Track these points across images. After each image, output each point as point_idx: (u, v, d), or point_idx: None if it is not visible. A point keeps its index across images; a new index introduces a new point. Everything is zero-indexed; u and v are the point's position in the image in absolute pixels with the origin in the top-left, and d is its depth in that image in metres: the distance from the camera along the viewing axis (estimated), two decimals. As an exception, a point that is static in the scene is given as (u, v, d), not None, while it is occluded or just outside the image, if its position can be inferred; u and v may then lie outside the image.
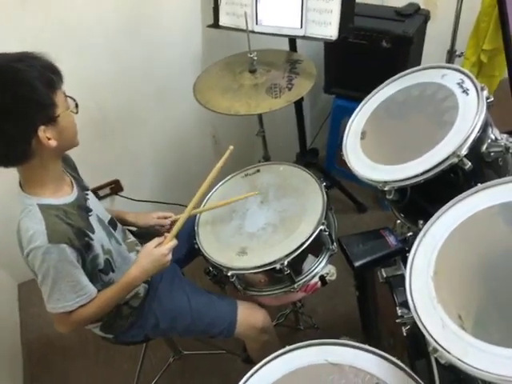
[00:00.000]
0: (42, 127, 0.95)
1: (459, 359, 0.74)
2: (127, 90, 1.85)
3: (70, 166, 1.22)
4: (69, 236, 1.01)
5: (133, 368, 1.78)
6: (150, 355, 1.81)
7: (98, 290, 1.11)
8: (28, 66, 0.91)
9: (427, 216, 1.02)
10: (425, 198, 1.17)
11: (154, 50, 1.81)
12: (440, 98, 1.13)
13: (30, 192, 1.03)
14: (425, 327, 0.81)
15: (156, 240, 1.16)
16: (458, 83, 1.11)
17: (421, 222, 1.11)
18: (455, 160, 1.01)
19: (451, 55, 1.49)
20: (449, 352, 0.76)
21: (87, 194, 1.18)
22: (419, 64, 1.82)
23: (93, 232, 1.10)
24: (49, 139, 0.96)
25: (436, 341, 0.78)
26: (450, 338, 0.77)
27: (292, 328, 1.80)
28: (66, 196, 1.09)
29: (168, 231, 1.24)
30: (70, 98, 1.04)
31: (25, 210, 1.00)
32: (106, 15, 1.65)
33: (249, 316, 1.31)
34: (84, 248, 1.06)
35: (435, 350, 0.78)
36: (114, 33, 1.70)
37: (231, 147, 1.25)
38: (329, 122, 2.22)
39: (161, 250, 1.14)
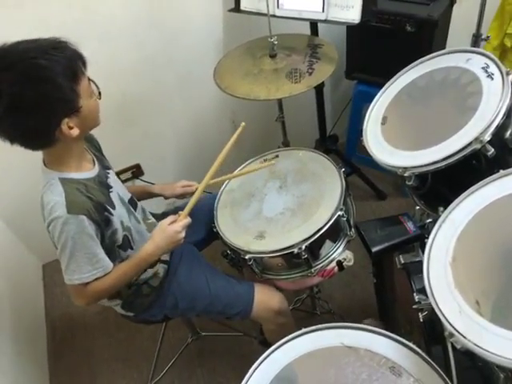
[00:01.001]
0: (65, 120, 0.97)
1: (475, 344, 0.74)
2: (149, 75, 1.87)
3: (95, 146, 1.25)
4: (87, 208, 1.04)
5: (152, 347, 1.83)
6: (169, 335, 1.85)
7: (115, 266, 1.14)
8: (52, 60, 0.92)
9: (448, 203, 1.01)
10: (446, 184, 1.16)
11: (175, 35, 1.81)
12: (464, 82, 1.11)
13: (52, 168, 1.06)
14: (441, 312, 0.81)
15: (170, 217, 1.19)
16: (483, 67, 1.08)
17: (441, 208, 1.10)
18: (478, 146, 0.99)
19: (477, 39, 1.45)
20: (465, 337, 0.76)
21: (108, 173, 1.21)
22: (444, 48, 1.77)
23: (113, 207, 1.13)
24: (71, 128, 0.99)
25: (452, 325, 0.78)
26: (467, 323, 0.77)
27: (308, 313, 1.82)
28: (87, 171, 1.12)
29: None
30: (93, 82, 1.06)
31: (47, 184, 1.04)
32: (129, 2, 1.66)
33: (266, 298, 1.33)
34: (103, 222, 1.09)
35: (451, 335, 0.78)
36: (135, 19, 1.70)
37: (243, 124, 1.26)
38: (350, 108, 2.20)
39: (174, 227, 1.16)
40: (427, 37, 1.70)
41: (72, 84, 0.96)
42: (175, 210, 1.52)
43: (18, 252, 2.11)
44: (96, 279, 1.08)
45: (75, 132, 1.00)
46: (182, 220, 1.18)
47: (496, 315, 0.78)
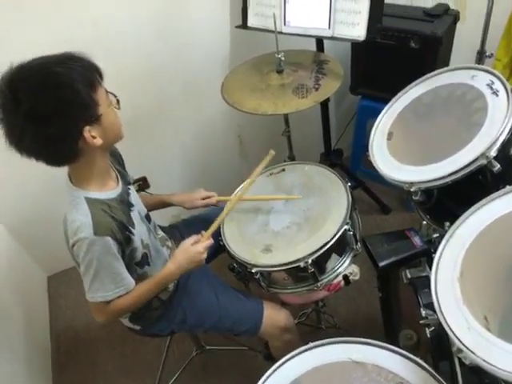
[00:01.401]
0: (86, 128, 0.98)
1: (484, 360, 0.74)
2: (156, 89, 1.90)
3: (117, 161, 1.26)
4: (112, 229, 1.05)
5: (157, 360, 1.82)
6: (173, 348, 1.85)
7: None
8: (68, 68, 0.94)
9: (454, 218, 1.02)
10: (452, 199, 1.17)
11: (182, 50, 1.85)
12: (469, 99, 1.13)
13: (77, 185, 1.07)
14: (450, 328, 0.81)
15: (193, 238, 1.20)
16: (488, 84, 1.10)
17: (447, 223, 1.11)
18: (484, 162, 1.01)
19: (481, 56, 1.47)
20: (474, 353, 0.76)
21: (129, 189, 1.22)
22: (448, 65, 1.80)
23: (133, 227, 1.14)
24: (94, 138, 0.99)
25: (461, 341, 0.78)
26: (475, 339, 0.78)
27: (313, 327, 1.81)
28: (111, 190, 1.13)
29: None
30: (111, 93, 1.06)
31: (72, 202, 1.05)
32: (137, 17, 1.69)
33: (273, 316, 1.33)
34: (125, 241, 1.10)
35: (460, 351, 0.78)
36: (144, 34, 1.74)
37: (272, 152, 1.28)
38: (354, 123, 2.22)
39: (197, 247, 1.17)
40: (431, 53, 1.73)
41: (89, 90, 0.97)
42: (182, 224, 1.54)
43: (23, 264, 2.13)
44: (118, 297, 1.10)
45: (98, 142, 1.00)
46: (205, 241, 1.20)
47: (504, 331, 0.78)
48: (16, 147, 0.96)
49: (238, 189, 1.43)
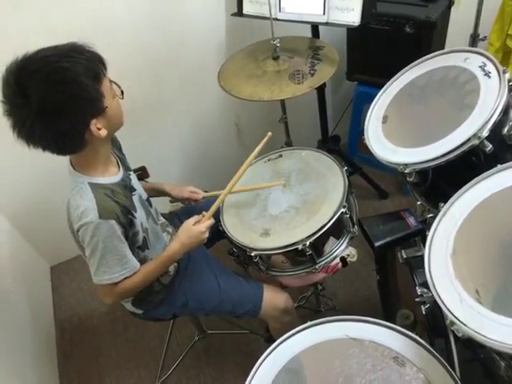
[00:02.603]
0: (93, 121, 1.00)
1: (476, 331, 0.77)
2: (153, 79, 1.91)
3: (117, 147, 1.29)
4: (116, 212, 1.08)
5: (160, 345, 1.86)
6: (176, 334, 1.88)
7: None
8: (74, 62, 0.95)
9: (448, 199, 1.04)
10: (446, 180, 1.19)
11: (179, 40, 1.85)
12: (462, 81, 1.15)
13: (80, 171, 1.09)
14: (443, 301, 0.84)
15: (195, 218, 1.24)
16: (480, 66, 1.12)
17: (441, 204, 1.12)
18: (476, 142, 1.03)
19: (474, 39, 1.48)
20: (465, 325, 0.79)
21: (130, 174, 1.24)
22: (443, 49, 1.81)
23: (135, 211, 1.17)
24: (100, 129, 1.02)
25: (453, 314, 0.81)
26: (467, 312, 0.80)
27: (313, 310, 1.84)
28: (113, 176, 1.15)
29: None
30: (115, 83, 1.08)
31: (76, 188, 1.07)
32: (133, 6, 1.70)
33: (272, 298, 1.36)
34: (128, 224, 1.13)
35: (452, 323, 0.81)
36: (140, 23, 1.75)
37: (269, 133, 1.29)
38: (351, 109, 2.23)
39: (199, 227, 1.21)
40: (426, 38, 1.74)
41: (95, 84, 0.99)
42: (181, 211, 1.57)
43: (26, 254, 2.15)
44: (124, 278, 1.12)
45: (103, 133, 1.03)
46: (206, 221, 1.23)
47: (496, 304, 0.81)
48: (25, 140, 0.98)
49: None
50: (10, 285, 1.86)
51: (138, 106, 1.93)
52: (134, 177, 1.26)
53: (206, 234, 1.22)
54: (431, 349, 0.93)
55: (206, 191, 1.49)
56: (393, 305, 1.57)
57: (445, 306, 0.83)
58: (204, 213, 1.25)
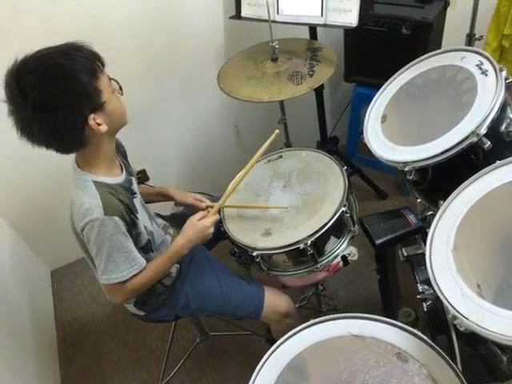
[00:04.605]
0: (91, 115, 1.01)
1: (477, 324, 0.78)
2: (152, 82, 1.92)
3: (121, 153, 1.30)
4: (120, 210, 1.09)
5: (161, 348, 1.86)
6: (177, 336, 1.88)
7: None
8: (71, 59, 0.97)
9: (448, 196, 1.05)
10: (445, 178, 1.20)
11: (177, 42, 1.87)
12: (459, 79, 1.16)
13: (85, 169, 1.10)
14: (444, 296, 0.85)
15: (200, 213, 1.26)
16: (477, 65, 1.13)
17: (441, 202, 1.13)
18: (474, 139, 1.04)
19: (470, 39, 1.50)
20: (467, 318, 0.80)
21: (132, 179, 1.25)
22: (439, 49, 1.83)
23: (137, 212, 1.18)
24: (99, 125, 1.03)
25: (455, 308, 0.82)
26: (469, 306, 0.81)
27: (314, 310, 1.85)
28: (117, 177, 1.17)
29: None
30: (114, 80, 1.10)
31: (80, 186, 1.08)
32: (132, 10, 1.71)
33: (274, 301, 1.37)
34: (131, 223, 1.14)
35: (454, 318, 0.82)
36: (139, 26, 1.76)
37: (277, 131, 1.30)
38: (349, 110, 2.25)
39: (204, 222, 1.23)
40: (422, 39, 1.76)
41: (92, 79, 1.00)
42: (183, 212, 1.57)
43: (26, 259, 2.15)
44: (132, 276, 1.13)
45: (104, 128, 1.03)
46: (212, 217, 1.25)
47: (498, 298, 0.82)
48: (27, 138, 1.00)
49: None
50: (11, 289, 1.86)
51: (137, 109, 1.93)
52: (135, 183, 1.27)
53: (212, 229, 1.24)
54: (433, 344, 0.94)
55: (211, 196, 1.49)
56: (394, 303, 1.58)
57: (447, 300, 0.84)
58: (209, 208, 1.26)
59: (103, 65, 1.05)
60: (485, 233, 0.92)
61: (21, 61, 0.96)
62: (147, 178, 2.20)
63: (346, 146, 2.38)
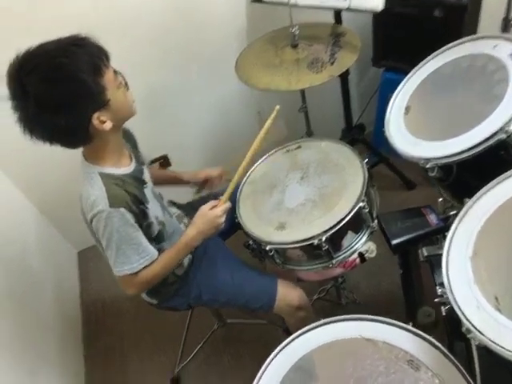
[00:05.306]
0: (95, 114, 0.99)
1: (492, 341, 0.73)
2: (174, 67, 1.89)
3: (131, 142, 1.28)
4: (126, 201, 1.08)
5: (181, 332, 1.87)
6: (196, 321, 1.89)
7: None
8: (74, 57, 0.94)
9: (474, 194, 0.98)
10: (472, 175, 1.13)
11: (199, 27, 1.82)
12: (490, 70, 1.08)
13: (91, 162, 1.10)
14: (459, 307, 0.80)
15: (211, 203, 1.22)
16: (510, 54, 1.04)
17: (467, 200, 1.07)
18: (503, 136, 0.96)
19: (506, 24, 1.38)
20: (482, 333, 0.75)
21: (143, 168, 1.24)
22: (475, 34, 1.71)
23: (147, 202, 1.17)
24: (104, 122, 1.01)
25: (470, 321, 0.77)
26: (485, 320, 0.76)
27: (333, 303, 1.82)
28: (125, 167, 1.15)
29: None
30: (120, 73, 1.06)
31: (87, 178, 1.08)
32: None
33: (287, 294, 1.34)
34: (140, 214, 1.13)
35: (469, 331, 0.77)
36: (159, 11, 1.73)
37: (277, 106, 1.25)
38: (377, 97, 2.15)
39: (215, 211, 1.19)
40: (456, 22, 1.64)
41: (95, 78, 0.97)
42: (198, 201, 1.56)
43: (53, 240, 2.22)
44: (144, 267, 1.13)
45: (108, 125, 1.02)
46: (222, 205, 1.20)
47: (515, 311, 0.76)
48: (30, 135, 0.99)
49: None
50: (38, 269, 1.92)
51: (158, 95, 1.93)
52: (146, 171, 1.26)
53: (223, 219, 1.20)
54: (448, 353, 0.90)
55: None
56: (416, 301, 1.53)
57: (461, 311, 0.79)
58: (220, 197, 1.23)
59: (108, 59, 1.01)
60: (507, 240, 0.86)
61: (22, 57, 0.94)
62: (169, 164, 2.20)
63: (372, 134, 2.29)
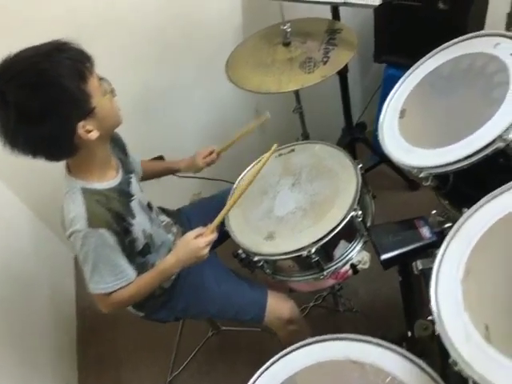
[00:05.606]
0: (80, 123, 0.93)
1: (481, 376, 0.66)
2: (169, 67, 1.84)
3: (119, 146, 1.22)
4: (107, 220, 1.02)
5: (174, 339, 1.84)
6: (190, 329, 1.85)
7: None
8: (56, 62, 0.89)
9: (472, 204, 0.91)
10: (470, 184, 1.06)
11: (194, 25, 1.76)
12: (490, 71, 0.99)
13: (75, 175, 1.05)
14: (447, 337, 0.73)
15: (197, 230, 1.12)
16: (512, 54, 0.96)
17: (465, 210, 1.00)
18: (501, 145, 0.89)
19: (511, 19, 1.29)
20: (470, 366, 0.68)
21: (131, 178, 1.19)
22: (482, 28, 1.61)
23: (133, 217, 1.11)
24: (90, 132, 0.95)
25: (458, 353, 0.70)
26: (473, 352, 0.69)
27: (331, 310, 1.76)
28: (110, 180, 1.10)
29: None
30: (106, 80, 1.01)
31: (69, 192, 1.03)
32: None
33: (276, 307, 1.29)
34: (122, 231, 1.08)
35: (455, 363, 0.70)
36: (155, 8, 1.67)
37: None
38: (380, 94, 2.07)
39: (198, 242, 1.09)
40: (462, 15, 1.54)
41: (79, 84, 0.91)
42: (189, 207, 1.52)
43: (50, 244, 2.18)
44: (119, 288, 1.09)
45: (94, 135, 0.96)
46: (208, 236, 1.11)
47: (505, 343, 0.69)
48: (11, 147, 0.93)
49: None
50: (35, 273, 1.89)
51: (153, 94, 1.87)
52: (134, 180, 1.20)
53: (206, 251, 1.11)
54: (439, 379, 0.83)
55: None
56: (414, 310, 1.46)
57: (449, 342, 0.72)
58: (209, 225, 1.14)
59: (92, 65, 0.95)
60: (501, 262, 0.78)
61: (2, 63, 0.89)
62: (165, 165, 2.16)
63: (373, 132, 2.20)
